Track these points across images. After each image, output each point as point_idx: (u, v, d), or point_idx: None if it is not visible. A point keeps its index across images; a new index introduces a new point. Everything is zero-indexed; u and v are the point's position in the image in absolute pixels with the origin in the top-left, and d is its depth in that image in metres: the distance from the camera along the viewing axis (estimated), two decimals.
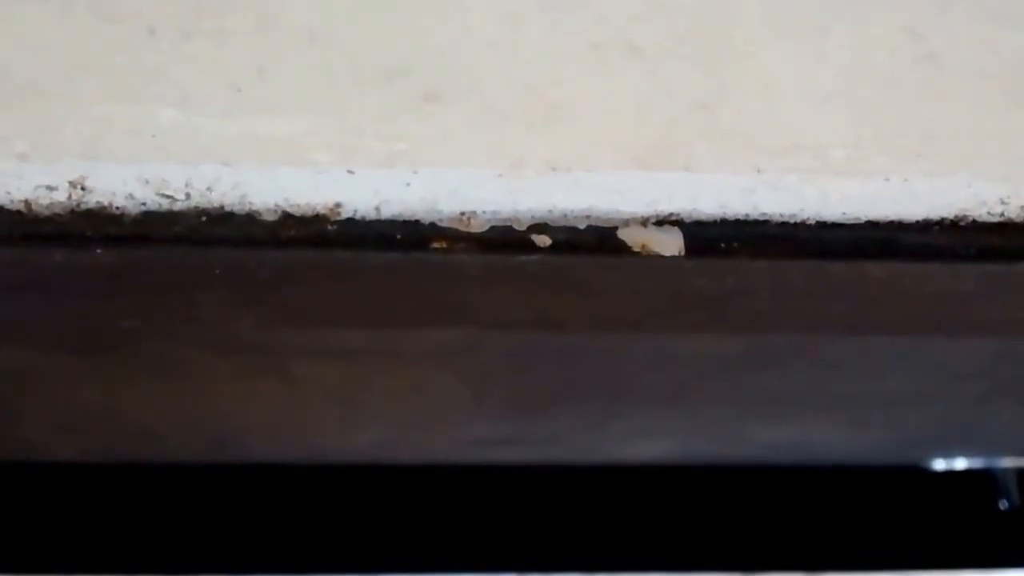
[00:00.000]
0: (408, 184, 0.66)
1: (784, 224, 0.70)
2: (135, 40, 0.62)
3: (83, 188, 0.64)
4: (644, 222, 0.69)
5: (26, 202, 0.65)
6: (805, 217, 0.69)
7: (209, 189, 0.65)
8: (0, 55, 0.62)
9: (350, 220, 0.67)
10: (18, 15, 0.62)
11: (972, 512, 1.68)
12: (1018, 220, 0.70)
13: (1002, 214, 0.70)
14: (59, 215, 0.65)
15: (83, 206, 0.65)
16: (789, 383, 1.22)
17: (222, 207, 0.66)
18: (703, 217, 0.69)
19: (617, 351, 1.11)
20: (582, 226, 0.69)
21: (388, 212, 0.67)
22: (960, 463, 1.68)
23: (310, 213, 0.67)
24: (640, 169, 0.66)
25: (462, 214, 0.67)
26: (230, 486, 1.57)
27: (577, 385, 1.23)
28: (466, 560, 1.60)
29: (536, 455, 1.54)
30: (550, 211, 0.68)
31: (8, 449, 1.44)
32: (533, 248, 0.69)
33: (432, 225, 0.68)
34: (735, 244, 0.70)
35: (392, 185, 0.66)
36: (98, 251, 0.66)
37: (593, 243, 0.69)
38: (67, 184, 0.64)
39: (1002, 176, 0.68)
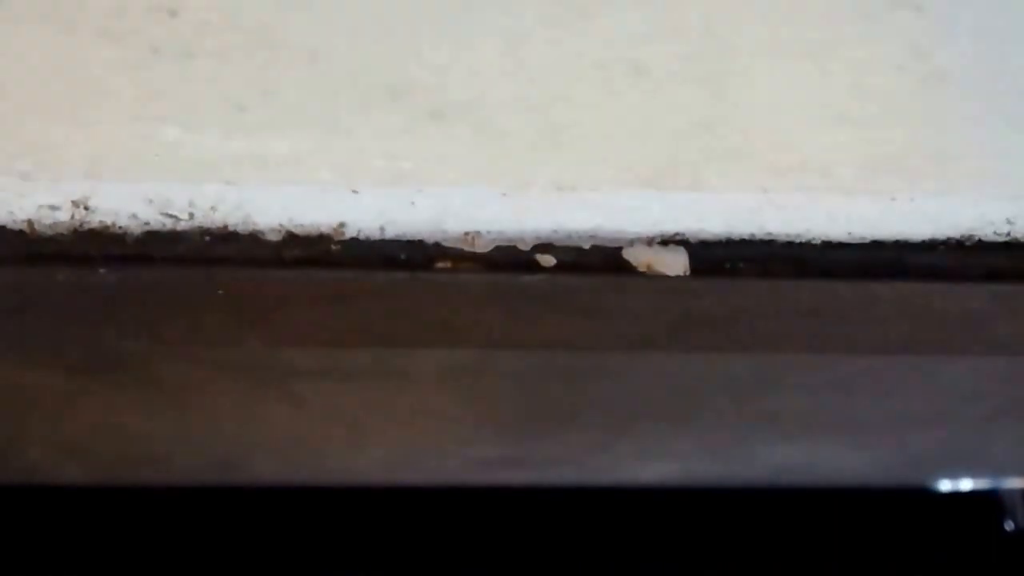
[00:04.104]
0: (413, 203, 0.65)
1: (790, 244, 0.70)
2: (138, 59, 0.62)
3: (86, 208, 0.64)
4: (649, 242, 0.69)
5: (29, 222, 0.65)
6: (811, 237, 0.69)
7: (212, 208, 0.65)
8: (2, 74, 0.62)
9: (354, 240, 0.67)
10: (20, 34, 0.62)
11: (978, 534, 1.68)
12: None
13: (1008, 234, 0.70)
14: (62, 235, 0.65)
15: (86, 226, 0.65)
16: (795, 404, 1.22)
17: (226, 226, 0.66)
18: (708, 237, 0.69)
19: (622, 372, 1.10)
20: (587, 246, 0.69)
21: (392, 232, 0.67)
22: (966, 484, 1.68)
23: (314, 233, 0.67)
24: (645, 189, 0.66)
25: (466, 234, 0.67)
26: (235, 507, 1.56)
27: (582, 406, 1.23)
28: None
29: (541, 476, 1.54)
30: (555, 231, 0.68)
31: (12, 471, 1.44)
32: (538, 268, 0.68)
33: (437, 245, 0.68)
34: (741, 264, 0.70)
35: (396, 204, 0.65)
36: (101, 271, 0.66)
37: (598, 263, 0.69)
38: (70, 204, 0.64)
39: (1009, 196, 0.68)
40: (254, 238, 0.66)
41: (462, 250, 0.68)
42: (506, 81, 0.65)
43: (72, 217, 0.65)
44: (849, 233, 0.69)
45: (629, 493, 1.61)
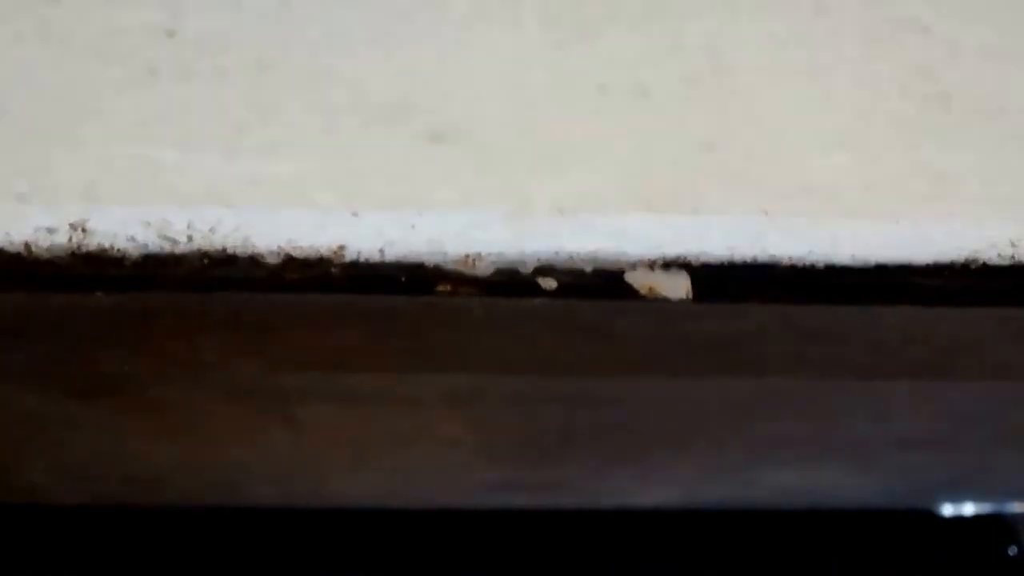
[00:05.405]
0: (413, 226, 0.65)
1: (793, 267, 0.69)
2: (135, 81, 0.62)
3: (84, 230, 0.64)
4: (651, 265, 0.68)
5: (26, 244, 0.64)
6: (814, 260, 0.69)
7: (211, 231, 0.64)
8: (0, 96, 0.62)
9: (354, 262, 0.67)
10: (18, 56, 0.62)
11: (981, 558, 1.67)
12: None
13: (1012, 257, 0.69)
14: (59, 257, 0.65)
15: (84, 248, 0.64)
16: (798, 428, 1.22)
17: (224, 249, 0.65)
18: (711, 260, 0.68)
19: (624, 395, 1.10)
20: (588, 269, 0.68)
21: (392, 254, 0.67)
22: (969, 508, 1.68)
23: (314, 255, 0.66)
24: (647, 211, 0.65)
25: (467, 256, 0.67)
26: (235, 531, 1.56)
27: (584, 430, 1.22)
28: None
29: (543, 500, 1.54)
30: (556, 253, 0.67)
31: (13, 493, 1.44)
32: (539, 291, 0.68)
33: (437, 268, 0.67)
34: (743, 287, 0.69)
35: (397, 227, 0.65)
36: (99, 294, 0.66)
37: (599, 286, 0.69)
38: (67, 226, 0.64)
39: (1013, 218, 0.67)
40: (253, 261, 0.66)
41: (462, 273, 0.67)
42: (507, 103, 0.65)
43: (70, 240, 0.64)
44: (852, 256, 0.69)
45: (631, 516, 1.60)
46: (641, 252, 0.68)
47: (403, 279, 0.67)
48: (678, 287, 0.68)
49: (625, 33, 0.66)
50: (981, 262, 0.70)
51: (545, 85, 0.65)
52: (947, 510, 1.67)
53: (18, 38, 0.62)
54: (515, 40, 0.65)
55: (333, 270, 0.67)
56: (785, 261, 0.69)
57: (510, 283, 0.68)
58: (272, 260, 0.66)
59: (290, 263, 0.66)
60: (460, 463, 1.35)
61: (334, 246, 0.66)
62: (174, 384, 1.03)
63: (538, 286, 0.68)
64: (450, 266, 0.67)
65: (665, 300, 0.69)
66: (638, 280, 0.68)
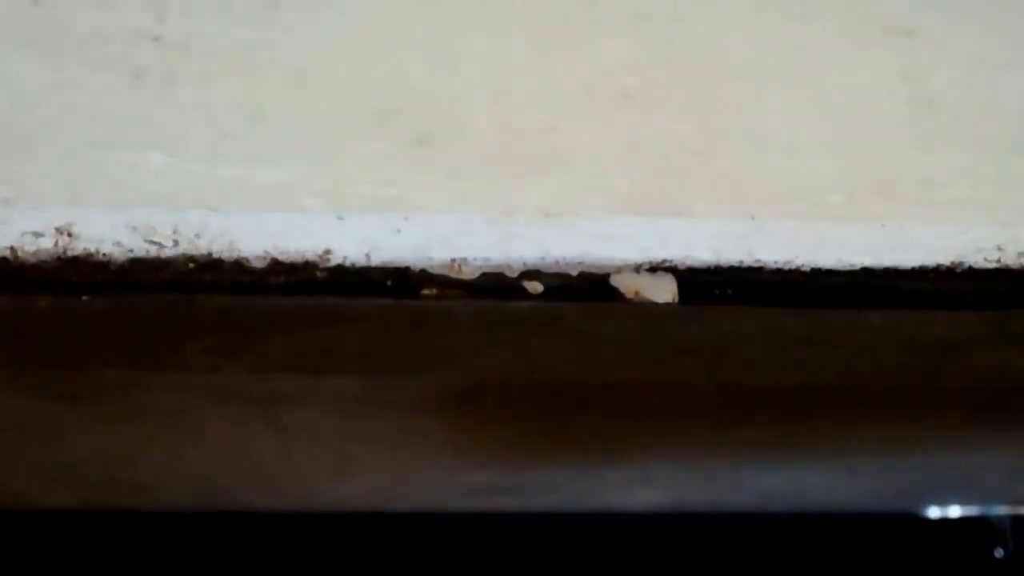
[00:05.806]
0: (399, 230, 0.65)
1: (779, 271, 0.69)
2: (121, 85, 0.62)
3: (70, 235, 0.64)
4: (637, 268, 0.68)
5: (11, 249, 0.64)
6: (800, 264, 0.69)
7: (197, 235, 0.64)
8: None
9: (340, 267, 0.67)
10: (2, 59, 0.62)
11: (967, 561, 1.68)
12: (1015, 266, 0.70)
13: (999, 260, 0.69)
14: (45, 262, 0.65)
15: (70, 253, 0.64)
16: (784, 431, 1.22)
17: (210, 254, 0.65)
18: (697, 264, 0.68)
19: (611, 399, 1.10)
20: (574, 272, 0.68)
21: (378, 258, 0.67)
22: (955, 511, 1.68)
23: (299, 260, 0.66)
24: (633, 215, 0.65)
25: (453, 260, 0.67)
26: (221, 535, 1.56)
27: (570, 433, 1.22)
28: None
29: (530, 503, 1.53)
30: (542, 257, 0.67)
31: None
32: (525, 295, 0.68)
33: (423, 272, 0.67)
34: (729, 291, 0.69)
35: (382, 231, 0.65)
36: (85, 298, 0.66)
37: (585, 290, 0.68)
38: (53, 230, 0.63)
39: (999, 222, 0.67)
40: (239, 265, 0.66)
41: (448, 277, 0.67)
42: (493, 107, 0.64)
43: (56, 244, 0.64)
44: (839, 260, 0.69)
45: (618, 519, 1.60)
46: (627, 256, 0.68)
47: (389, 283, 0.67)
48: (664, 290, 0.68)
49: (612, 37, 0.66)
50: (967, 266, 0.70)
51: (531, 89, 0.65)
52: (933, 513, 1.67)
53: (3, 42, 0.62)
54: (502, 43, 0.65)
55: (319, 274, 0.67)
56: (771, 265, 0.69)
57: (496, 287, 0.68)
58: (258, 264, 0.66)
59: (276, 267, 0.66)
60: (447, 466, 1.35)
61: (320, 250, 0.66)
62: (159, 388, 1.03)
63: (524, 290, 0.68)
64: (436, 270, 0.67)
65: (651, 304, 0.69)
66: (624, 283, 0.68)
